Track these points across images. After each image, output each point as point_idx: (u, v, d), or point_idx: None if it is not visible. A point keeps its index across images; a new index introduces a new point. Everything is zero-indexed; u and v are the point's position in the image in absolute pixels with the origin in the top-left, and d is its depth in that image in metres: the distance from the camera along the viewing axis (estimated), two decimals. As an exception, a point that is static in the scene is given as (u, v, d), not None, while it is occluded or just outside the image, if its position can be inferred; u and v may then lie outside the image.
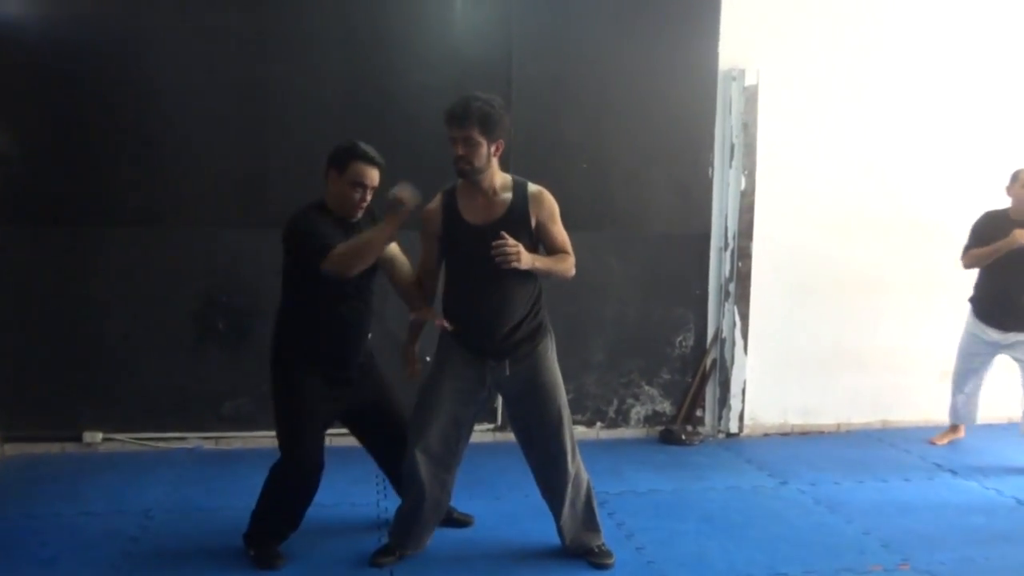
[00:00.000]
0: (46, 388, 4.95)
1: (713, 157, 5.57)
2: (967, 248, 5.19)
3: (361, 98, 5.06)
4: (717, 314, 5.67)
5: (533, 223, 3.39)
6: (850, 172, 5.72)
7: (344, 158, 3.49)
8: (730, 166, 5.54)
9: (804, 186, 5.67)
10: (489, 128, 3.25)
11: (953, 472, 5.01)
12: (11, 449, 4.92)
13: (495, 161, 3.35)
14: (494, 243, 3.23)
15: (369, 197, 3.54)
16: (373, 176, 3.51)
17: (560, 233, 3.47)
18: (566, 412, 3.58)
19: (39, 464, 4.79)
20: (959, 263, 5.22)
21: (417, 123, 4.99)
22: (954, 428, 5.60)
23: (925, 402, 5.72)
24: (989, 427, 5.70)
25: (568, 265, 3.48)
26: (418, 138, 4.91)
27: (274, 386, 3.59)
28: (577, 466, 3.64)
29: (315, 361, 3.54)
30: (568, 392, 5.35)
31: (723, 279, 5.63)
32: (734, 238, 5.57)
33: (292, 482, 3.55)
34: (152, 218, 4.96)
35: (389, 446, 3.77)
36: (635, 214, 5.49)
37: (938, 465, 5.13)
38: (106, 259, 4.95)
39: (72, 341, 4.95)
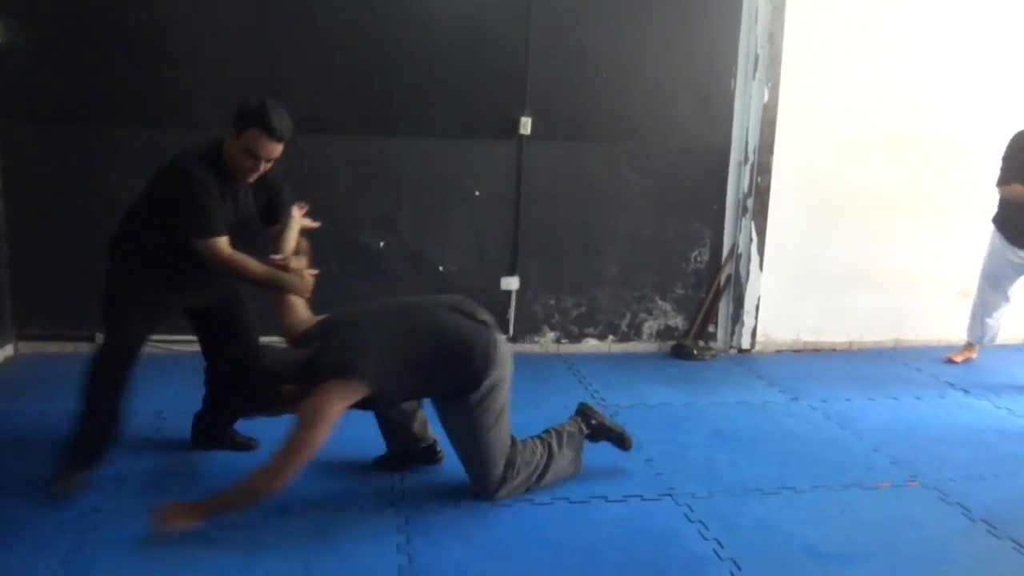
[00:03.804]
0: (59, 288, 4.93)
1: (736, 69, 5.42)
2: (1004, 178, 5.04)
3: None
4: (734, 230, 5.60)
5: None
6: (876, 88, 5.56)
7: (243, 122, 3.12)
8: (753, 78, 5.40)
9: (828, 101, 5.52)
10: None
11: (965, 391, 4.99)
12: (24, 348, 4.95)
13: None
14: None
15: (263, 168, 3.24)
16: (271, 150, 3.17)
17: None
18: None
19: (52, 363, 4.81)
20: (986, 186, 5.13)
21: (430, 36, 4.96)
22: (969, 347, 5.57)
23: (939, 322, 5.68)
24: (1003, 347, 5.71)
25: None
26: (431, 55, 4.91)
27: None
28: None
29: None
30: (581, 306, 5.41)
31: (741, 194, 5.54)
32: (754, 152, 5.46)
33: None
34: (162, 119, 4.87)
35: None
36: (654, 126, 5.37)
37: (950, 384, 5.11)
38: (117, 159, 4.86)
39: (84, 241, 4.89)
